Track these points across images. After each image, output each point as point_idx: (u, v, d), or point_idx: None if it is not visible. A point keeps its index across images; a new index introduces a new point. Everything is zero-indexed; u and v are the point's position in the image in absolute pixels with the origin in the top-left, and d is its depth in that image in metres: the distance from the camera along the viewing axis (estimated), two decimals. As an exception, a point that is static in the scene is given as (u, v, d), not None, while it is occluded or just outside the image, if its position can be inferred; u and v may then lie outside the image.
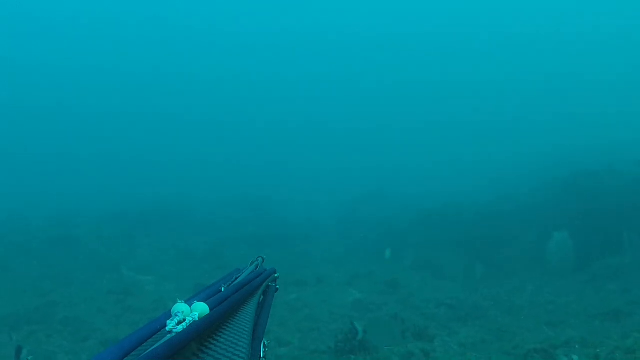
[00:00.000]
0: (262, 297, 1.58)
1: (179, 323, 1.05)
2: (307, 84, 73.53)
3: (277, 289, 1.82)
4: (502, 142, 44.99)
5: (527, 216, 16.63)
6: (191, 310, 1.12)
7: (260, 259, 1.96)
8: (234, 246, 19.02)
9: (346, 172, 40.57)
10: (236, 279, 1.57)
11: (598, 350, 7.64)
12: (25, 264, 15.66)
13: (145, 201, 26.28)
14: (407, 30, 75.65)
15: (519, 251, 15.01)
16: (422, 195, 26.46)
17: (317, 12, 79.79)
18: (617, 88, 55.31)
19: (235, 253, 18.00)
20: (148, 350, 0.92)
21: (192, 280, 14.27)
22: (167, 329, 1.03)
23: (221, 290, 1.36)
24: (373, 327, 8.23)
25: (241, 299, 1.37)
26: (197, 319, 1.09)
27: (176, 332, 1.01)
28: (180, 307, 1.13)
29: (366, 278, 14.70)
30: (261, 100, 69.95)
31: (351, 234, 20.94)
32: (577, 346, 8.08)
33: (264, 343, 1.30)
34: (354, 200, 27.29)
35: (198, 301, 1.17)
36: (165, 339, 0.98)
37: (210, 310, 1.16)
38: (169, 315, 1.10)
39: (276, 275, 1.87)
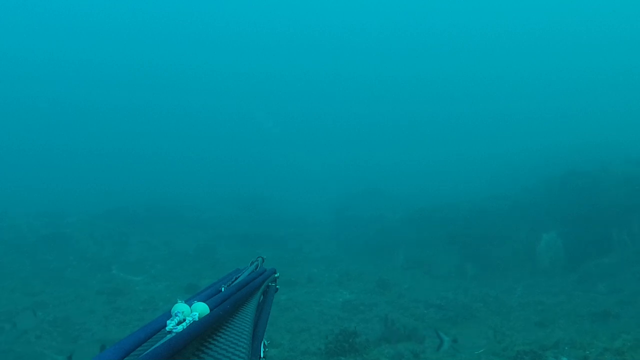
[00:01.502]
0: (262, 297, 1.58)
1: (179, 323, 1.05)
2: (302, 84, 73.55)
3: (277, 289, 1.82)
4: (496, 141, 45.29)
5: (519, 216, 16.70)
6: (191, 310, 1.12)
7: (260, 259, 1.96)
8: (227, 245, 18.97)
9: (340, 170, 40.62)
10: (236, 279, 1.57)
11: (587, 352, 7.71)
12: (15, 262, 15.50)
13: (137, 199, 26.14)
14: (405, 30, 75.77)
15: (510, 251, 15.07)
16: (414, 194, 26.57)
17: (314, 11, 79.71)
18: (611, 89, 55.89)
19: (228, 252, 17.95)
20: (148, 350, 0.92)
21: (183, 280, 14.18)
22: (167, 329, 1.03)
23: (221, 290, 1.36)
24: (464, 334, 7.74)
25: (241, 299, 1.37)
26: (197, 319, 1.09)
27: (176, 332, 1.01)
28: (180, 307, 1.13)
29: (357, 278, 14.71)
30: (255, 99, 69.85)
31: (344, 233, 20.95)
32: (566, 348, 8.14)
33: (264, 343, 1.30)
34: (347, 198, 27.29)
35: (198, 301, 1.17)
36: (165, 339, 0.98)
37: (210, 310, 1.16)
38: (169, 315, 1.10)
39: (276, 275, 1.87)
